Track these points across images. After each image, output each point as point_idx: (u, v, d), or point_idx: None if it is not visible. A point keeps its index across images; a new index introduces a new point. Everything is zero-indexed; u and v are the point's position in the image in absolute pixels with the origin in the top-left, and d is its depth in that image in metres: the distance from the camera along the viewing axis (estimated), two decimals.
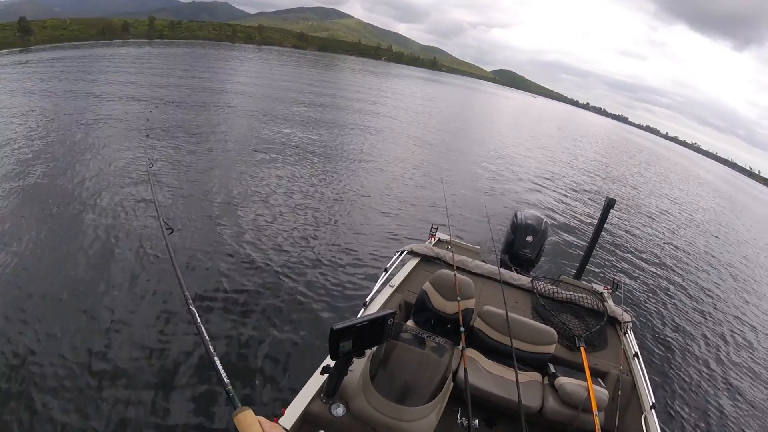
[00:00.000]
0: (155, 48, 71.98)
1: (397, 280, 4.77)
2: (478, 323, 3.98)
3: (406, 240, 9.17)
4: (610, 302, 5.27)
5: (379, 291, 4.44)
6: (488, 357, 3.82)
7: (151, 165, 5.61)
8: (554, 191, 18.68)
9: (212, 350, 1.41)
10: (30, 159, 11.49)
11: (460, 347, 3.63)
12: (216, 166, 12.77)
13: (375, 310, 3.93)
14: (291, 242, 8.70)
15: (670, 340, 8.39)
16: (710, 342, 8.92)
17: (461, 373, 3.29)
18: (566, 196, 18.39)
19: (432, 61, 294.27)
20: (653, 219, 19.11)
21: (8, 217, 8.27)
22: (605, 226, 6.67)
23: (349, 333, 2.17)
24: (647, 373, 3.95)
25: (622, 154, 51.69)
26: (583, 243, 11.55)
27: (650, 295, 10.31)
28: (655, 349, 7.83)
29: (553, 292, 5.08)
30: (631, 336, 4.62)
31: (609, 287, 5.88)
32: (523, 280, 5.33)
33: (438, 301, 4.08)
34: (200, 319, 1.59)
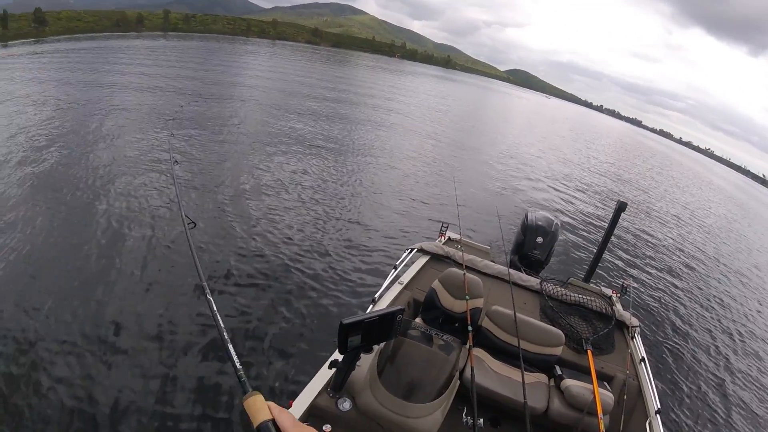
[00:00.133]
0: (170, 41, 72.47)
1: (406, 278, 4.78)
2: (485, 323, 3.98)
3: (416, 238, 9.18)
4: (618, 306, 5.23)
5: (388, 288, 4.45)
6: (495, 357, 3.80)
7: (175, 162, 5.65)
8: (566, 193, 18.61)
9: (226, 337, 1.43)
10: (44, 147, 11.67)
11: (468, 346, 3.64)
12: (229, 159, 12.90)
13: (384, 307, 3.95)
14: (303, 237, 8.76)
15: (677, 346, 8.35)
16: (718, 350, 8.87)
17: (468, 372, 3.30)
18: (577, 198, 18.31)
19: (446, 59, 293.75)
20: (664, 224, 18.97)
21: (22, 204, 8.40)
22: (616, 229, 6.64)
23: (359, 328, 2.17)
24: (653, 379, 3.94)
25: (635, 157, 51.29)
26: (593, 246, 11.51)
27: (659, 300, 10.25)
28: (662, 355, 7.80)
29: (562, 294, 5.06)
30: (638, 340, 4.60)
31: (618, 291, 5.84)
32: (532, 281, 5.32)
33: (447, 300, 4.08)
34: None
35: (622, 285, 5.95)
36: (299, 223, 9.36)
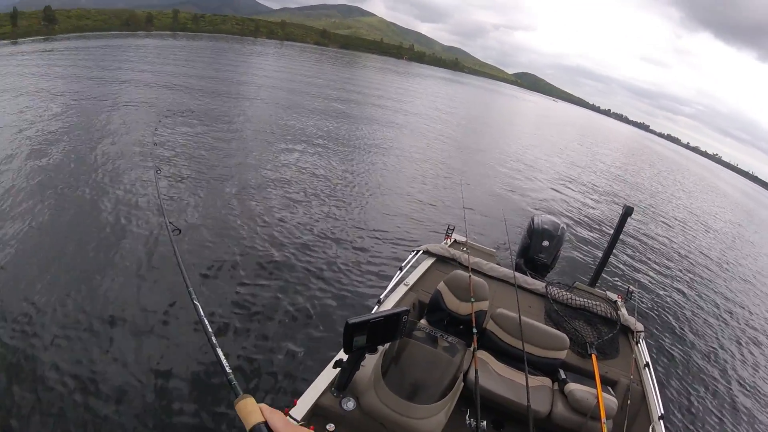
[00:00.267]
0: (179, 40, 72.80)
1: (411, 279, 4.79)
2: (490, 325, 3.99)
3: (422, 239, 9.20)
4: (623, 311, 5.23)
5: (393, 289, 4.47)
6: (499, 360, 3.82)
7: (158, 170, 5.66)
8: (572, 197, 18.57)
9: (215, 341, 1.46)
10: (48, 143, 11.87)
11: (472, 348, 3.65)
12: (232, 156, 13.06)
13: (389, 308, 3.96)
14: (310, 237, 8.80)
15: (682, 352, 8.33)
16: (722, 357, 8.83)
17: (472, 374, 3.31)
18: (584, 202, 18.27)
19: (454, 61, 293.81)
20: (671, 229, 18.91)
21: (29, 198, 8.50)
22: (622, 234, 6.63)
23: (364, 328, 2.20)
24: (657, 384, 3.94)
25: (643, 162, 51.09)
26: (599, 250, 11.51)
27: (664, 305, 10.21)
28: (667, 360, 7.77)
29: (567, 299, 5.07)
30: (643, 346, 4.59)
31: (623, 296, 5.84)
32: (538, 284, 5.34)
33: (452, 302, 4.09)
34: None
35: (628, 290, 5.95)
36: (305, 222, 9.41)
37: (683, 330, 9.32)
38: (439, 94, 59.57)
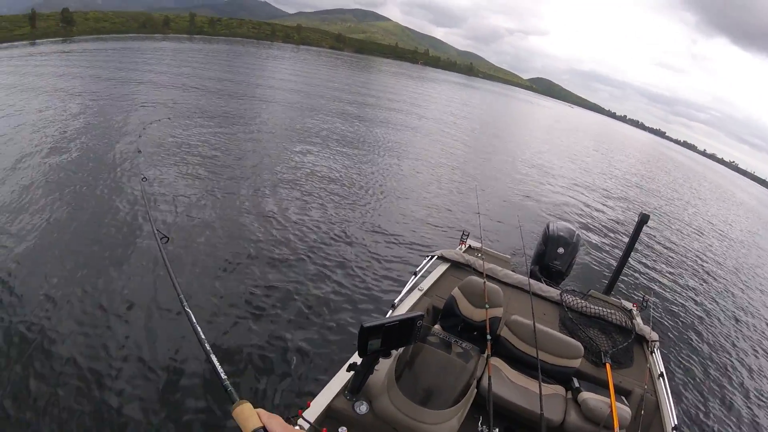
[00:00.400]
0: (195, 43, 73.59)
1: (425, 285, 4.80)
2: (504, 332, 3.99)
3: (437, 244, 9.20)
4: (638, 320, 5.20)
5: (407, 294, 4.48)
6: (513, 367, 3.82)
7: (144, 179, 5.68)
8: (588, 203, 18.46)
9: (208, 347, 1.47)
10: (65, 140, 12.21)
11: (486, 355, 3.65)
12: (247, 157, 13.19)
13: (403, 312, 3.95)
14: (323, 239, 8.88)
15: (697, 362, 8.23)
16: (738, 369, 8.70)
17: (485, 381, 3.29)
18: (599, 209, 18.15)
19: (468, 66, 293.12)
20: (687, 237, 18.70)
21: (37, 198, 8.63)
22: (637, 242, 6.59)
23: (379, 332, 2.18)
24: (671, 395, 3.92)
25: (659, 169, 50.61)
26: (614, 258, 11.41)
27: (679, 315, 10.10)
28: (681, 371, 7.69)
29: (582, 306, 5.03)
30: (657, 355, 4.56)
31: (638, 304, 5.80)
32: (552, 292, 5.31)
33: (466, 308, 4.10)
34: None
35: (643, 298, 5.93)
36: (320, 223, 9.51)
37: (698, 340, 9.21)
38: (454, 98, 59.57)
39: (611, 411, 3.29)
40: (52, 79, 22.30)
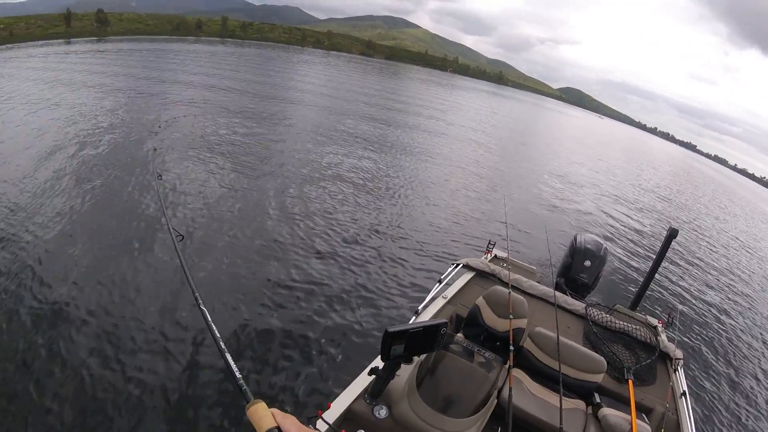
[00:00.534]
0: (228, 47, 74.69)
1: (450, 292, 4.82)
2: (527, 344, 3.97)
3: (462, 252, 9.23)
4: (663, 337, 5.13)
5: (431, 301, 4.52)
6: (534, 379, 3.79)
7: (159, 176, 5.80)
8: (616, 217, 18.20)
9: (223, 346, 1.48)
10: (97, 134, 12.73)
11: (508, 366, 3.65)
12: (273, 157, 13.35)
13: (426, 319, 3.95)
14: (348, 242, 9.04)
15: (721, 383, 8.05)
16: (764, 393, 8.47)
17: (506, 392, 3.25)
18: (627, 222, 17.88)
19: (498, 75, 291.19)
20: (716, 253, 18.28)
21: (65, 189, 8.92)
22: (665, 257, 6.54)
23: (402, 337, 2.24)
24: (693, 414, 3.87)
25: (688, 183, 49.58)
26: (641, 273, 11.28)
27: (706, 333, 9.89)
28: (704, 391, 7.54)
29: (607, 321, 4.99)
30: (681, 374, 4.49)
31: (664, 321, 5.72)
32: (578, 305, 5.29)
33: (490, 318, 4.09)
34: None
35: (669, 315, 5.82)
36: (345, 225, 9.71)
37: (724, 361, 9.01)
38: (483, 107, 59.27)
39: (631, 428, 3.26)
40: (87, 76, 23.10)
